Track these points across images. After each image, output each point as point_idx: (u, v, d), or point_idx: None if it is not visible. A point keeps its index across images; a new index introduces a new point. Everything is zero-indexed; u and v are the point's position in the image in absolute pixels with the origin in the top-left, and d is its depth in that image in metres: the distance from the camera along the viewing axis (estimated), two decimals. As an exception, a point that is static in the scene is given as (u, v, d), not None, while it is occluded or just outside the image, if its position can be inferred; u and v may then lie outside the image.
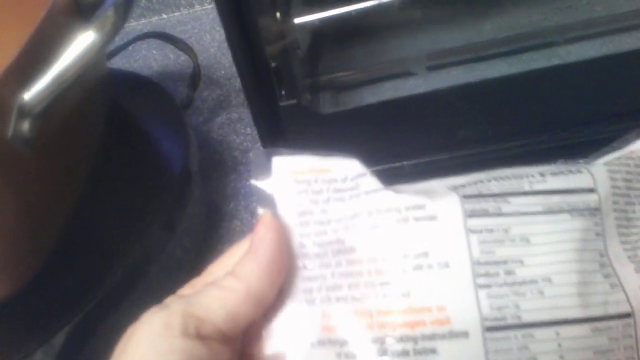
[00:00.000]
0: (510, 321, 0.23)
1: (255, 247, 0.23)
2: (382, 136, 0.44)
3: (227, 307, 0.22)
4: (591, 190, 0.26)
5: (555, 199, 0.26)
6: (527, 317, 0.23)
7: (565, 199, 0.26)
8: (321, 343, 0.24)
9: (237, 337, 0.23)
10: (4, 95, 0.30)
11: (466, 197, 0.25)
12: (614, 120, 0.43)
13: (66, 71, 0.32)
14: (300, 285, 0.25)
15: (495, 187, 0.26)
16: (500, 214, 0.25)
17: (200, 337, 0.21)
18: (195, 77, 0.57)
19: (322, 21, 0.48)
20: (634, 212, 0.27)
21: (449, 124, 0.43)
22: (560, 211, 0.25)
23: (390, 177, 0.46)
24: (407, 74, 0.48)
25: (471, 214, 0.25)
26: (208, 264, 0.47)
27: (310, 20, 0.47)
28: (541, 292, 0.24)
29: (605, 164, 0.27)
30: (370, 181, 0.27)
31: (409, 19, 0.50)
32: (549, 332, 0.23)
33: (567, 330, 0.23)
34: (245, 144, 0.58)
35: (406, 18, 0.50)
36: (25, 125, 0.31)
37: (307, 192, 0.27)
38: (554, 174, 0.27)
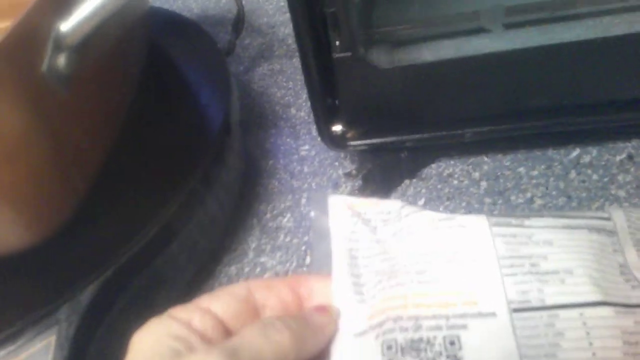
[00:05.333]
0: (534, 304, 0.25)
1: (318, 330, 0.26)
2: (445, 99, 0.40)
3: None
4: (607, 219, 0.30)
5: (574, 221, 0.29)
6: (550, 301, 0.25)
7: (583, 221, 0.29)
8: (363, 332, 0.26)
9: None
10: (38, 24, 0.27)
11: (491, 216, 0.29)
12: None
13: (107, 1, 0.29)
14: (352, 289, 0.28)
15: (515, 214, 0.31)
16: (522, 226, 0.28)
17: None
18: (238, 22, 0.53)
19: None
20: None
21: (520, 90, 0.39)
22: (578, 227, 0.28)
23: (450, 146, 0.43)
24: (474, 31, 0.43)
25: (496, 224, 0.28)
26: (243, 222, 0.44)
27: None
28: (562, 281, 0.26)
29: (622, 208, 0.31)
30: (410, 207, 0.31)
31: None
32: (573, 312, 0.25)
33: (590, 311, 0.25)
34: (286, 98, 0.55)
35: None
36: (61, 60, 0.29)
37: (359, 217, 0.31)
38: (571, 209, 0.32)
